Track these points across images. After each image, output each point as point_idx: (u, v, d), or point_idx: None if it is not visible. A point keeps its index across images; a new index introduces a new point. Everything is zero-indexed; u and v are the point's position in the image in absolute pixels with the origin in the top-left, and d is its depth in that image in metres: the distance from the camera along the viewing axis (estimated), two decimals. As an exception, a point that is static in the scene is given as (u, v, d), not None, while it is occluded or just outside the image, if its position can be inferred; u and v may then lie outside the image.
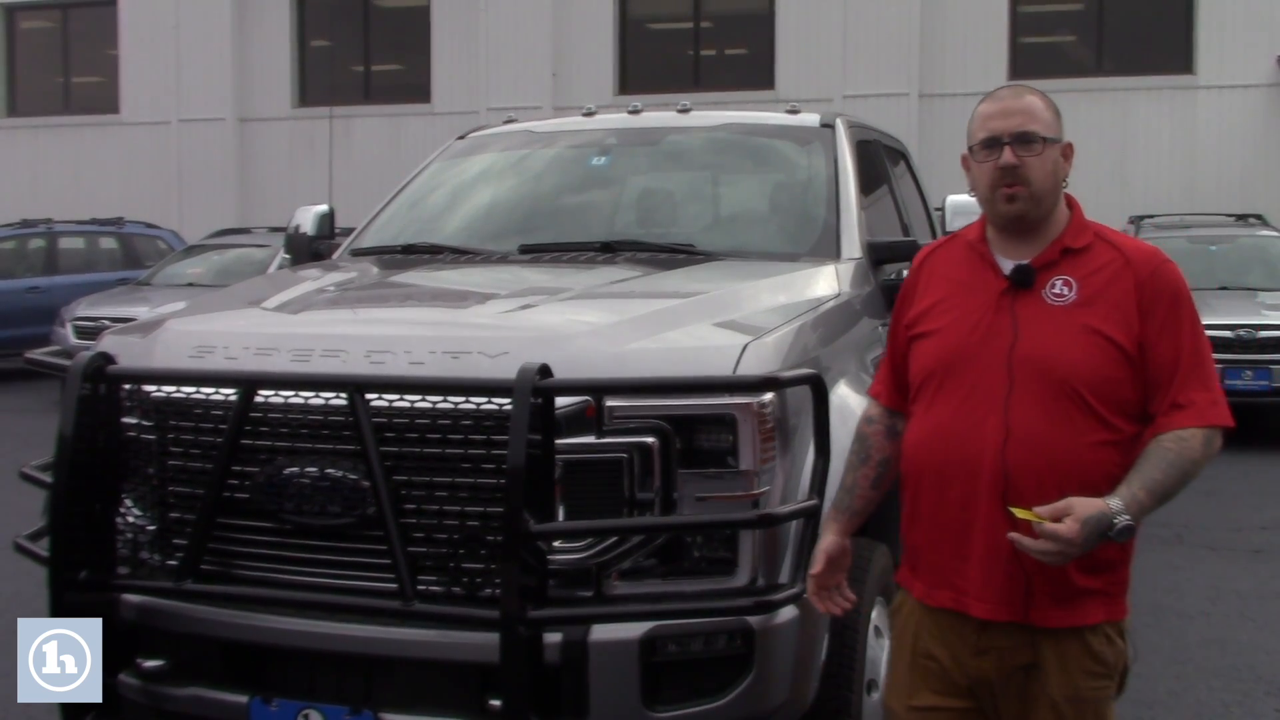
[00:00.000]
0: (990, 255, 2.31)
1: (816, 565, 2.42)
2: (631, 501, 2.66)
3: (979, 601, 2.23)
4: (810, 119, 4.59)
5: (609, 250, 3.94)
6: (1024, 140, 2.24)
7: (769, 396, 2.68)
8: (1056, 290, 2.24)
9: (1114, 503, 2.07)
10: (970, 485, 2.21)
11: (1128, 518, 2.06)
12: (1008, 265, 2.28)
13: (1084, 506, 2.05)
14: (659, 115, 4.80)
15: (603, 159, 4.61)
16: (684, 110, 4.75)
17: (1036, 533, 2.05)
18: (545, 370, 2.57)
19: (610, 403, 2.64)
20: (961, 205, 3.80)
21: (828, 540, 2.44)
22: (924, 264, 2.45)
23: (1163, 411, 2.18)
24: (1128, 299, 2.20)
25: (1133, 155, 16.90)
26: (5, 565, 5.55)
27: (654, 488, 2.64)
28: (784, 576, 2.72)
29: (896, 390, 2.45)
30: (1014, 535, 2.08)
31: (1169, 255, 2.28)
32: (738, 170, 4.74)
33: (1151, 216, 12.15)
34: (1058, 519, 2.04)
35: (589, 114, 4.91)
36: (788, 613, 2.67)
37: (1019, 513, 2.08)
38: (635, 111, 4.78)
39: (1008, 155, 2.23)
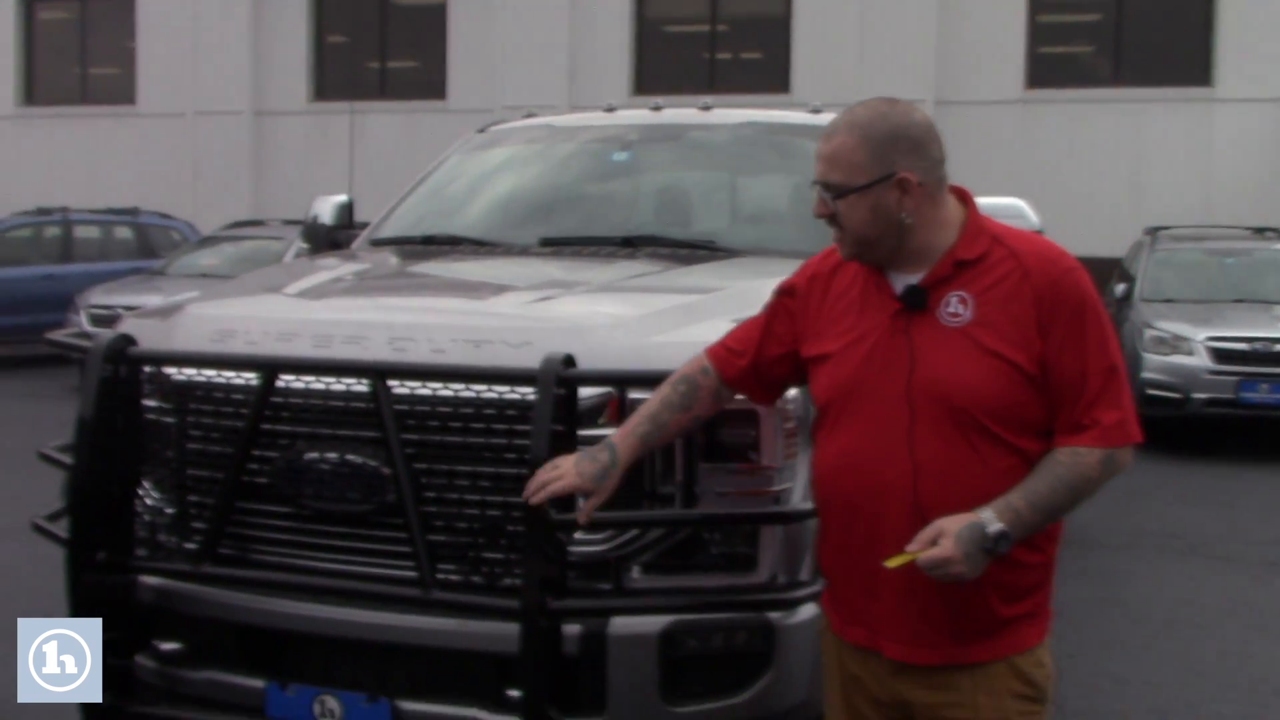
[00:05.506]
0: (880, 273, 2.14)
1: (596, 483, 2.28)
2: (652, 495, 2.64)
3: (892, 642, 2.11)
4: (831, 118, 4.56)
5: (630, 245, 3.93)
6: (828, 189, 2.12)
7: (793, 393, 2.65)
8: (951, 309, 2.06)
9: (984, 513, 1.97)
10: (876, 524, 2.07)
11: (1000, 525, 1.95)
12: (900, 284, 2.11)
13: (952, 524, 1.96)
14: (681, 112, 4.80)
15: (624, 154, 4.59)
16: (705, 108, 4.75)
17: (920, 567, 1.96)
18: (570, 360, 2.56)
19: (633, 395, 2.62)
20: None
21: (622, 463, 2.30)
22: (814, 277, 2.29)
23: (1064, 430, 2.03)
24: (1027, 315, 2.02)
25: (1149, 167, 16.83)
26: (5, 557, 5.57)
27: (675, 482, 2.63)
28: (804, 574, 2.70)
29: (750, 375, 2.34)
30: (923, 559, 1.97)
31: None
32: (759, 168, 4.73)
33: (1167, 228, 12.10)
34: (933, 544, 1.95)
35: (610, 110, 4.91)
36: (808, 610, 2.64)
37: (893, 563, 1.99)
38: (657, 109, 4.79)
39: (815, 204, 2.14)
